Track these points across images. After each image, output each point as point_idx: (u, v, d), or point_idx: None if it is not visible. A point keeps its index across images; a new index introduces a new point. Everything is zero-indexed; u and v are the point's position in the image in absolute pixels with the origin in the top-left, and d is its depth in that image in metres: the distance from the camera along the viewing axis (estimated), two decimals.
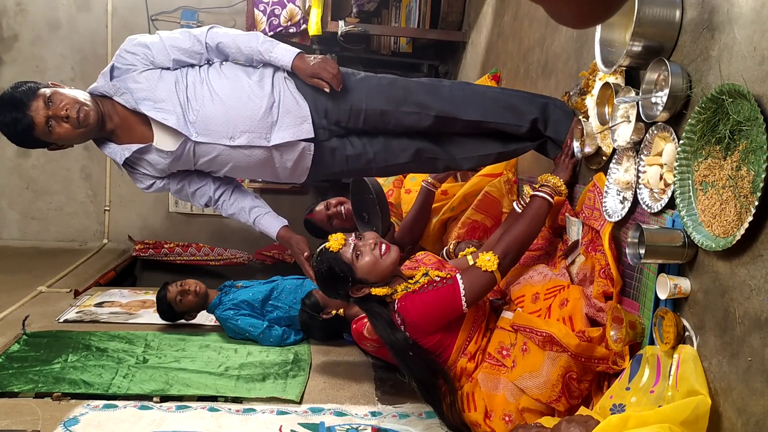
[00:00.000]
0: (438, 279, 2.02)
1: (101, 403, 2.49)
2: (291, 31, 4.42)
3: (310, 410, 2.53)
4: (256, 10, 4.40)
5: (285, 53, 2.13)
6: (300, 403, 2.60)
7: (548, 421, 1.71)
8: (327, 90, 2.10)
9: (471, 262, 2.04)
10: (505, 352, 1.98)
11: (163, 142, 2.12)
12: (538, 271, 2.05)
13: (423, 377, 2.02)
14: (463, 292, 1.94)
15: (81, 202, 5.15)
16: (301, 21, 4.36)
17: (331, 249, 2.04)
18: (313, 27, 4.03)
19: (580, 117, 2.06)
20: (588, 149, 2.00)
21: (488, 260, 1.95)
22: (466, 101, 2.19)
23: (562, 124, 2.19)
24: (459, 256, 2.37)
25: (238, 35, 2.15)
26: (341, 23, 3.96)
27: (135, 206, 5.15)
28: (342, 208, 3.26)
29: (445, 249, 2.78)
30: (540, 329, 1.82)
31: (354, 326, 2.61)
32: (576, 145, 2.07)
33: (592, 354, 1.77)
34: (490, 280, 1.96)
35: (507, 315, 2.04)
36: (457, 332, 2.02)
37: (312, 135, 2.16)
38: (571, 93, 2.13)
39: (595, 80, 2.00)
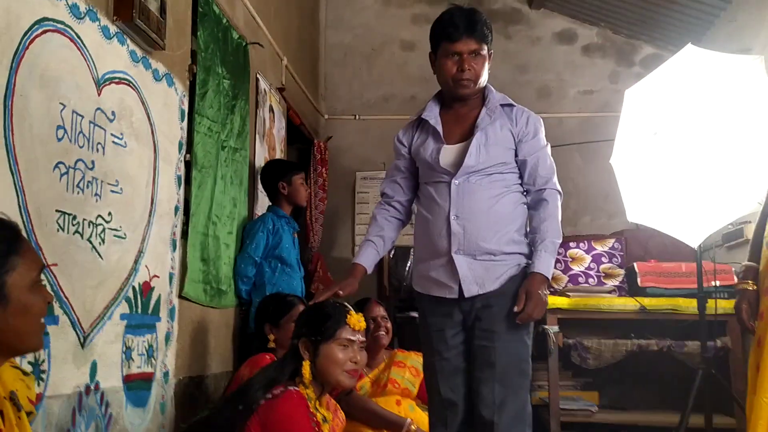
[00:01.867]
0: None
1: None
2: None
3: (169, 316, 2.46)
4: None
5: (547, 265, 2.07)
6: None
7: None
8: (515, 310, 2.02)
9: None
10: None
11: (447, 155, 2.14)
12: None
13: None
14: None
15: None
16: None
17: (348, 316, 1.98)
18: None
19: None
20: None
21: None
22: None
23: None
24: None
25: (556, 217, 2.14)
26: None
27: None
28: (382, 329, 3.12)
29: None
30: None
31: (265, 357, 2.51)
32: None
33: None
34: None
35: None
36: None
37: (455, 296, 2.10)
38: None
39: None
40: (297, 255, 3.34)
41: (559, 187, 2.18)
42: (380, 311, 3.14)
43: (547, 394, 3.82)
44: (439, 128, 2.16)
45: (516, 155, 2.16)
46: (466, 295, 2.08)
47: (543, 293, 2.04)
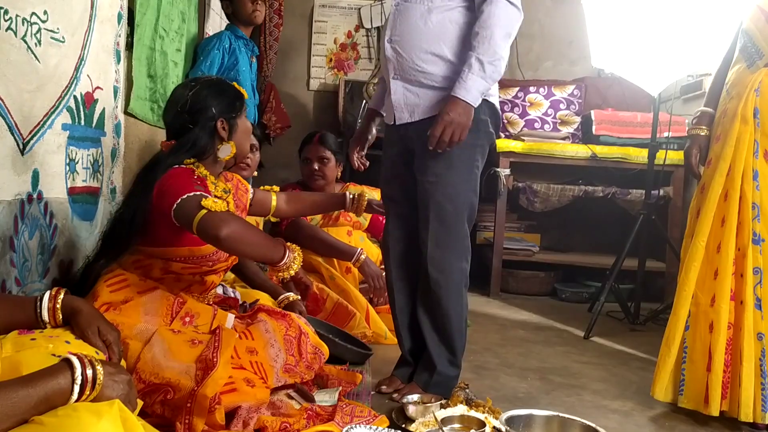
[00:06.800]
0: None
1: None
2: None
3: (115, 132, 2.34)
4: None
5: (466, 88, 1.82)
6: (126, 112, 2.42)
7: None
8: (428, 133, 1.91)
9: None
10: (188, 319, 1.80)
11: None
12: (276, 351, 1.86)
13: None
14: (178, 201, 1.67)
15: None
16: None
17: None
18: None
19: (441, 403, 1.97)
20: (412, 410, 1.90)
21: (215, 201, 1.65)
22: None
23: (441, 388, 2.08)
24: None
25: (493, 29, 1.83)
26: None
27: None
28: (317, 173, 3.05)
29: None
30: (218, 351, 1.63)
31: None
32: (415, 397, 1.97)
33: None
34: (193, 210, 1.63)
35: (230, 318, 1.87)
36: (171, 247, 1.81)
37: (392, 122, 2.06)
38: (468, 392, 2.05)
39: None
40: (253, 80, 3.18)
41: None
42: (321, 151, 3.04)
43: (492, 234, 3.96)
44: None
45: None
46: (397, 122, 2.02)
47: (456, 115, 1.83)
